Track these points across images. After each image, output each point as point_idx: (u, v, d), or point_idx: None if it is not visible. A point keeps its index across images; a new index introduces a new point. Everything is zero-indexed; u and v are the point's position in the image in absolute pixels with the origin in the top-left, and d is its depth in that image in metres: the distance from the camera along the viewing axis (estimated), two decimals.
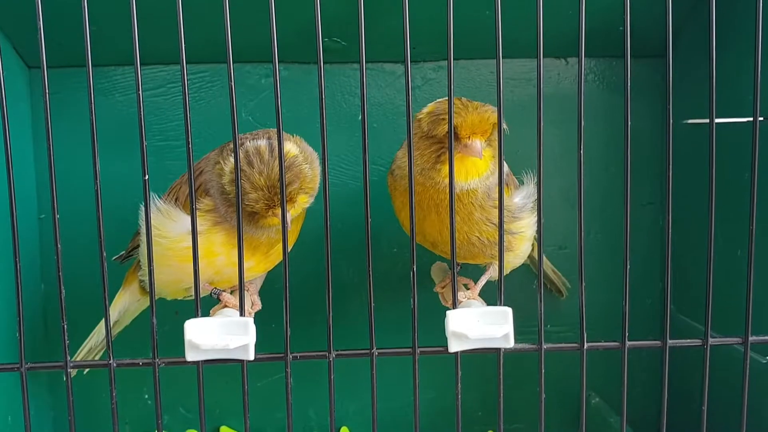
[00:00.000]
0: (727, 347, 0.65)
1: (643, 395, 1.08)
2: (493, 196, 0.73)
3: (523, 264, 0.84)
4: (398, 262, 1.03)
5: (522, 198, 0.77)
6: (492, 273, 0.80)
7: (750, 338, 0.63)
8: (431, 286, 0.88)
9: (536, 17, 0.56)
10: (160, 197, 0.75)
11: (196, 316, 0.59)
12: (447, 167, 0.68)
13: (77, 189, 0.97)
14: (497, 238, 0.73)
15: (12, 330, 0.87)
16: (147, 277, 0.60)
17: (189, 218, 0.65)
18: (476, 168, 0.72)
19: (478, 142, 0.69)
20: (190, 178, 0.58)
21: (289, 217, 0.66)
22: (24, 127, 0.97)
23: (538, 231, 0.63)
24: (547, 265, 1.01)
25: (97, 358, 0.87)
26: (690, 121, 0.92)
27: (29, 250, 0.97)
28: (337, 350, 0.61)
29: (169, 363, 0.61)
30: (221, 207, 0.71)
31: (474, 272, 0.84)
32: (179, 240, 0.72)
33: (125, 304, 0.86)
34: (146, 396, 1.04)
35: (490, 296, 0.71)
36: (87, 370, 0.86)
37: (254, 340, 0.59)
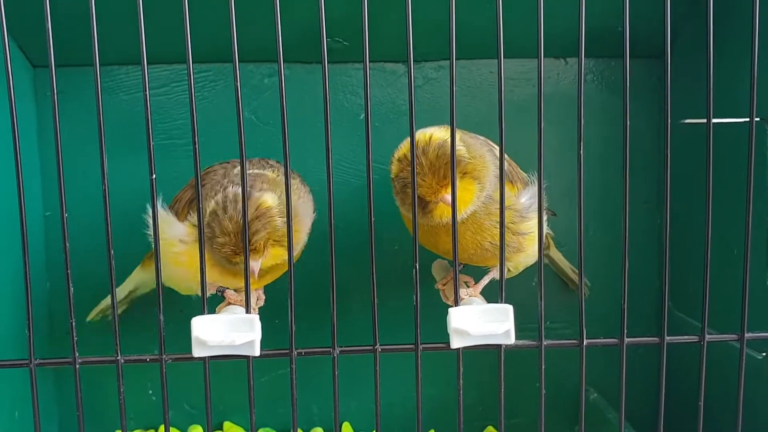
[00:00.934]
0: (724, 343, 0.65)
1: (641, 391, 1.09)
2: (495, 197, 0.73)
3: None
4: (400, 260, 1.03)
5: (528, 198, 0.77)
6: (495, 274, 0.81)
7: (746, 335, 0.64)
8: (432, 283, 0.88)
9: (537, 18, 0.57)
10: (165, 203, 0.77)
11: (202, 313, 0.60)
12: (436, 211, 0.71)
13: (81, 187, 0.98)
14: (509, 240, 0.74)
15: (18, 327, 0.88)
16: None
17: (181, 226, 0.66)
18: (463, 200, 0.72)
19: (446, 196, 0.69)
20: (197, 178, 0.58)
21: (255, 265, 0.68)
22: (29, 125, 0.98)
23: (539, 229, 0.64)
24: (565, 265, 1.02)
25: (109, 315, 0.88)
26: (688, 121, 0.93)
27: (35, 247, 0.98)
28: (340, 346, 0.62)
29: (176, 359, 0.62)
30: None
31: (475, 270, 0.85)
32: (172, 244, 0.74)
33: (143, 279, 0.89)
34: (150, 392, 1.05)
35: (491, 294, 0.72)
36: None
37: (260, 336, 0.60)
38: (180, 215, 0.75)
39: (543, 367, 0.63)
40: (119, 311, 0.88)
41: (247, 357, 0.60)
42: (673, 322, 0.99)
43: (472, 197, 0.73)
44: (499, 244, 0.74)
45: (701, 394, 0.64)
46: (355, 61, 1.00)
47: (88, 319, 0.94)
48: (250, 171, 0.74)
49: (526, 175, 0.81)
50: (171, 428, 1.02)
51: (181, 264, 0.73)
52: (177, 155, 1.00)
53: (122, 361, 0.61)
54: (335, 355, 0.62)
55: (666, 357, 0.63)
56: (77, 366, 0.61)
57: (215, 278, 0.74)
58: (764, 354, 0.81)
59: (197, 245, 0.71)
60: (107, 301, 0.90)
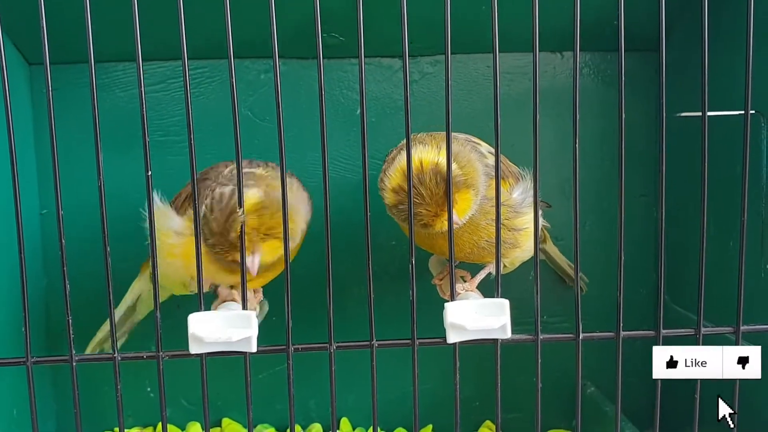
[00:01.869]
0: (719, 336, 0.65)
1: (637, 384, 1.09)
2: (489, 196, 0.73)
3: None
4: (396, 255, 1.04)
5: (520, 193, 0.77)
6: (491, 269, 0.81)
7: (741, 327, 0.64)
8: (429, 278, 0.89)
9: (532, 12, 0.57)
10: (163, 197, 0.76)
11: (198, 309, 0.60)
12: (437, 225, 0.69)
13: (77, 184, 0.97)
14: (504, 237, 0.74)
15: (14, 325, 0.88)
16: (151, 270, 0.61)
17: (179, 219, 0.66)
18: (463, 209, 0.72)
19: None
20: (193, 175, 0.58)
21: (253, 260, 0.67)
22: (25, 123, 0.97)
23: (535, 223, 0.64)
24: (562, 260, 1.02)
25: (107, 348, 0.88)
26: (683, 114, 0.93)
27: (31, 245, 0.98)
28: (337, 342, 0.62)
29: (173, 356, 0.62)
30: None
31: (471, 265, 0.85)
32: (167, 236, 0.74)
33: (139, 292, 0.88)
34: (148, 389, 1.05)
35: (487, 288, 0.72)
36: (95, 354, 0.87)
37: (257, 332, 0.60)
38: (180, 210, 0.76)
39: (540, 361, 0.64)
40: (119, 342, 0.87)
41: (244, 353, 0.60)
42: (670, 315, 0.99)
43: (470, 204, 0.73)
44: (493, 242, 0.75)
45: (697, 387, 0.65)
46: (352, 56, 1.00)
47: (87, 351, 0.91)
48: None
49: (517, 168, 0.81)
50: (169, 425, 1.03)
51: (174, 256, 0.73)
52: (174, 152, 1.00)
53: (119, 358, 0.61)
54: (332, 350, 0.62)
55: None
56: (74, 364, 0.61)
57: (212, 275, 0.74)
58: (760, 346, 0.82)
59: (193, 240, 0.72)
60: (105, 330, 0.89)
